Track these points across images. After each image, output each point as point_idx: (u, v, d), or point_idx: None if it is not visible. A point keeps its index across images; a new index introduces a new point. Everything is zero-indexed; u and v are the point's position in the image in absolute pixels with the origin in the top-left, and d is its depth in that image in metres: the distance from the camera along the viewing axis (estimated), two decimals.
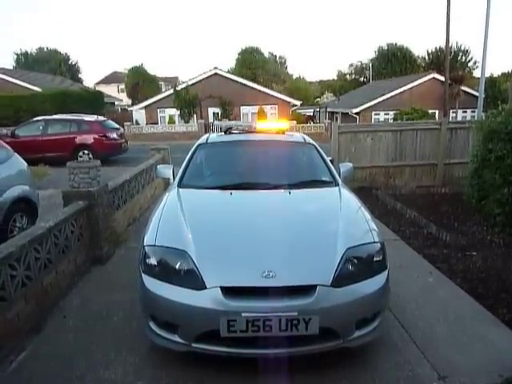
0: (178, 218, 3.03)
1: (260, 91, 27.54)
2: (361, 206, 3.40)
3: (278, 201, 3.48)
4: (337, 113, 32.02)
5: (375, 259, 2.77)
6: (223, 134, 4.73)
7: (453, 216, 6.45)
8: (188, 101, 25.59)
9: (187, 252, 2.64)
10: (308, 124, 27.04)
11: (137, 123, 28.87)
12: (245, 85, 27.58)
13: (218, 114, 27.21)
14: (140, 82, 38.36)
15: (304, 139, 4.62)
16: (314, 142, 4.60)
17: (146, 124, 27.13)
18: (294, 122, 24.44)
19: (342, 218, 3.03)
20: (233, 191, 3.52)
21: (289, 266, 2.55)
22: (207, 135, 4.81)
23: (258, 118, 26.73)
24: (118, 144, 13.92)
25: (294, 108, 29.27)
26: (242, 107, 27.74)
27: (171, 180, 4.12)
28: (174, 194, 3.63)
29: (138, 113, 29.13)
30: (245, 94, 26.79)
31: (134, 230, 5.82)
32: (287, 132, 4.84)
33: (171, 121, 27.06)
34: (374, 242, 2.83)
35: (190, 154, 4.32)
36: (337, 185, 3.83)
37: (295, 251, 2.66)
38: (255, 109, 27.33)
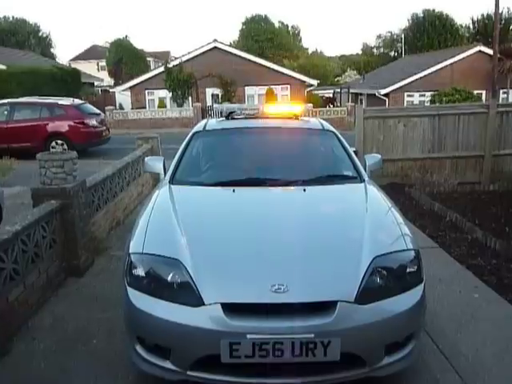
0: (170, 220, 3.05)
1: (269, 68, 27.55)
2: (391, 206, 3.41)
3: (291, 200, 3.52)
4: (362, 94, 31.95)
5: (408, 270, 2.77)
6: (224, 119, 4.78)
7: (503, 219, 6.44)
8: (182, 80, 25.68)
9: (181, 261, 2.65)
10: (327, 108, 27.00)
11: (121, 107, 29.03)
12: (250, 61, 27.61)
13: (217, 95, 27.28)
14: (124, 58, 38.53)
15: (322, 126, 4.67)
16: (334, 129, 4.64)
17: (132, 108, 27.31)
18: (310, 105, 24.42)
19: (369, 220, 3.05)
20: (236, 188, 3.55)
21: (304, 278, 2.56)
22: (205, 121, 4.86)
23: (266, 100, 26.74)
24: (99, 132, 14.06)
25: (310, 89, 29.25)
26: (246, 88, 27.77)
27: (162, 175, 4.17)
28: (165, 191, 3.67)
29: (122, 95, 29.29)
30: (250, 71, 26.83)
31: (118, 235, 5.87)
32: (301, 117, 4.88)
33: (161, 104, 27.18)
34: (407, 250, 2.83)
35: (184, 143, 4.37)
36: (362, 181, 3.87)
37: (311, 261, 2.68)
38: (263, 90, 27.36)
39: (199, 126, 4.68)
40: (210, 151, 4.43)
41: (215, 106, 21.66)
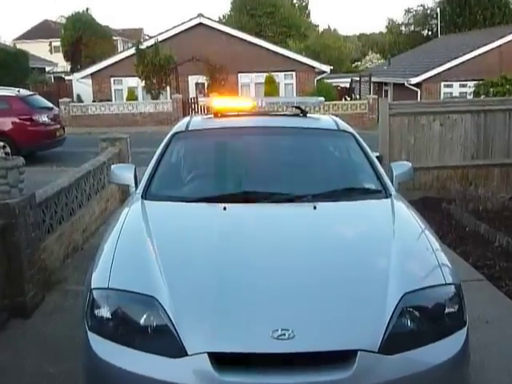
0: (144, 246, 3.07)
1: (268, 51, 27.79)
2: (424, 228, 3.43)
3: (298, 220, 3.54)
4: (387, 84, 32.16)
5: (447, 311, 2.77)
6: (212, 116, 4.83)
7: None
8: (158, 65, 25.80)
9: (157, 299, 2.64)
10: (342, 101, 27.14)
11: (79, 100, 29.15)
12: (245, 41, 27.86)
13: (203, 85, 27.41)
14: (84, 38, 38.75)
15: (336, 125, 4.71)
16: (351, 130, 4.69)
17: (94, 101, 27.42)
18: (321, 99, 24.31)
19: (396, 247, 3.07)
20: (227, 205, 3.56)
21: (314, 321, 2.55)
22: (187, 119, 4.90)
23: (265, 90, 26.87)
24: (51, 132, 14.09)
25: (322, 76, 29.45)
26: (240, 75, 28.00)
27: (132, 188, 4.19)
28: (136, 209, 3.68)
29: (82, 84, 29.45)
30: (245, 55, 27.05)
31: (76, 265, 5.84)
32: (310, 114, 4.94)
33: (132, 96, 27.35)
34: (446, 285, 2.84)
35: (161, 147, 4.40)
36: (388, 195, 3.90)
37: (324, 299, 2.67)
38: (261, 77, 27.61)
39: (181, 125, 4.72)
40: (195, 157, 4.44)
41: (201, 99, 21.75)
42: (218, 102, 4.88)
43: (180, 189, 4.06)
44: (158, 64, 25.80)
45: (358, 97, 30.56)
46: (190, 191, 4.00)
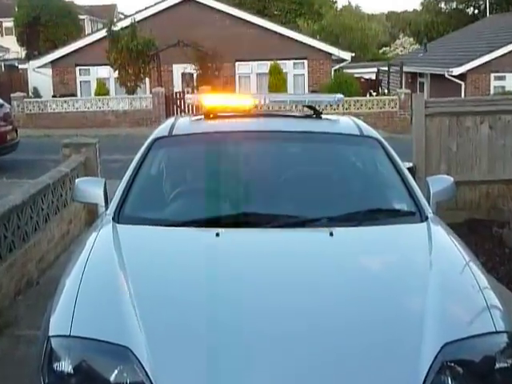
0: (115, 283, 3.06)
1: (274, 33, 27.87)
2: (470, 259, 3.42)
3: (309, 250, 3.52)
4: (422, 75, 32.27)
5: (498, 366, 2.70)
6: (202, 117, 4.85)
7: None
8: (135, 52, 25.69)
9: (131, 350, 2.60)
10: (367, 97, 27.18)
11: (36, 94, 29.26)
12: (244, 21, 27.96)
13: (191, 76, 27.45)
14: (43, 17, 38.97)
15: (359, 129, 4.71)
16: (377, 135, 4.70)
17: (55, 96, 27.47)
18: (340, 96, 24.15)
19: (434, 283, 3.05)
20: (221, 231, 3.54)
21: (329, 380, 2.54)
22: (171, 121, 4.95)
23: (270, 83, 26.85)
24: (0, 134, 14.07)
25: (341, 66, 29.51)
26: (238, 64, 28.08)
27: (101, 207, 4.20)
28: (106, 235, 3.68)
29: (39, 74, 29.51)
30: (244, 38, 27.12)
31: (29, 304, 5.81)
32: (326, 115, 4.97)
33: (102, 90, 27.47)
34: (496, 333, 2.78)
35: (138, 156, 4.40)
36: (423, 218, 3.89)
37: (340, 351, 2.65)
38: (264, 67, 27.69)
39: (163, 129, 4.73)
40: (181, 169, 4.47)
41: (189, 95, 21.80)
42: (209, 99, 4.86)
43: (161, 209, 4.06)
44: (136, 50, 25.66)
45: (386, 91, 30.42)
46: (174, 212, 4.01)
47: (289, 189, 4.21)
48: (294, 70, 28.37)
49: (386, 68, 33.33)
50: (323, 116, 4.93)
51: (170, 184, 4.37)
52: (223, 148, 4.54)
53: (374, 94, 29.04)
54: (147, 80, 27.17)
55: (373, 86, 31.37)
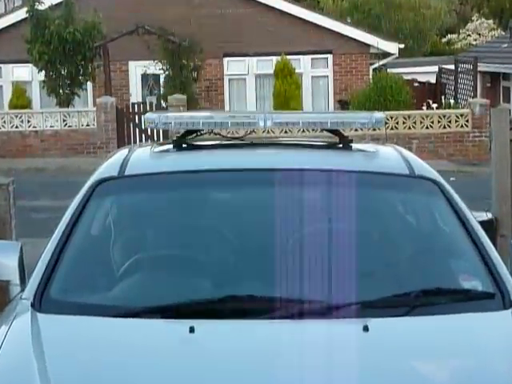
0: None
1: (282, 14, 25.01)
2: None
3: (332, 355, 2.77)
4: (508, 77, 29.49)
5: None
6: (172, 146, 4.49)
7: None
8: (71, 42, 22.23)
9: None
10: (423, 110, 23.66)
11: None
12: None
13: (157, 79, 24.66)
14: None
15: (409, 165, 4.14)
16: (436, 175, 4.13)
17: None
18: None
19: None
20: (197, 324, 2.90)
21: None
22: (124, 152, 4.43)
23: (276, 90, 24.00)
24: None
25: (384, 62, 27.02)
26: (227, 61, 25.45)
27: (15, 286, 3.67)
28: (21, 330, 3.06)
29: None
30: (238, 23, 24.62)
31: None
32: (357, 144, 4.53)
33: (20, 100, 23.90)
34: None
35: (73, 207, 3.83)
36: (507, 304, 3.25)
37: None
38: (268, 65, 25.05)
39: (111, 165, 4.17)
40: (137, 229, 3.98)
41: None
42: (180, 118, 4.45)
43: (107, 290, 3.48)
44: (72, 40, 22.86)
45: (452, 101, 27.36)
46: (127, 295, 3.41)
47: (300, 258, 3.47)
48: (313, 70, 26.32)
49: (452, 66, 29.75)
50: (353, 145, 4.36)
51: (121, 251, 3.78)
52: (202, 196, 4.10)
53: (435, 105, 26.01)
54: (89, 85, 24.84)
55: (432, 93, 28.93)
